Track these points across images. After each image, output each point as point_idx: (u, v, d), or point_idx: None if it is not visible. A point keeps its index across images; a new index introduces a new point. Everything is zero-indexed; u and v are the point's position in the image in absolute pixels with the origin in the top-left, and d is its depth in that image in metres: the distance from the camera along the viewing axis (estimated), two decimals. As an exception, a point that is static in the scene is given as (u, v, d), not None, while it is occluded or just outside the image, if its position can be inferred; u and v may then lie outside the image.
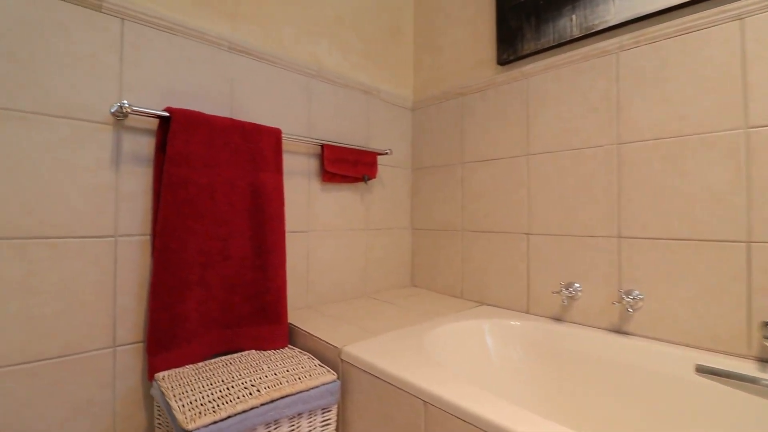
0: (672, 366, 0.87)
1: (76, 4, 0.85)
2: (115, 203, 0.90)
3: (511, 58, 1.25)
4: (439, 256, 1.50)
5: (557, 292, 1.09)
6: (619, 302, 0.98)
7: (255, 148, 1.02)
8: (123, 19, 0.91)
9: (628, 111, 1.02)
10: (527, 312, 1.20)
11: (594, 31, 1.06)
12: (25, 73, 0.79)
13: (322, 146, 1.24)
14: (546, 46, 1.16)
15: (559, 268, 1.13)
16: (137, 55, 0.93)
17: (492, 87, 1.33)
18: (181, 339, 0.90)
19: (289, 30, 1.23)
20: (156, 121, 0.94)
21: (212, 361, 0.92)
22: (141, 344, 0.93)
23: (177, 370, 0.87)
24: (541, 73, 1.19)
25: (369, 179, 1.37)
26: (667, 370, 0.88)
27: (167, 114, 0.89)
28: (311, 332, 1.01)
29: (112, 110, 0.87)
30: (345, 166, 1.29)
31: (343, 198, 1.36)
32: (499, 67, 1.31)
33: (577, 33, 1.09)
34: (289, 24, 1.23)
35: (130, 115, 0.88)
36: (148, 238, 0.94)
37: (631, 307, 0.97)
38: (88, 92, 0.86)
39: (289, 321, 1.11)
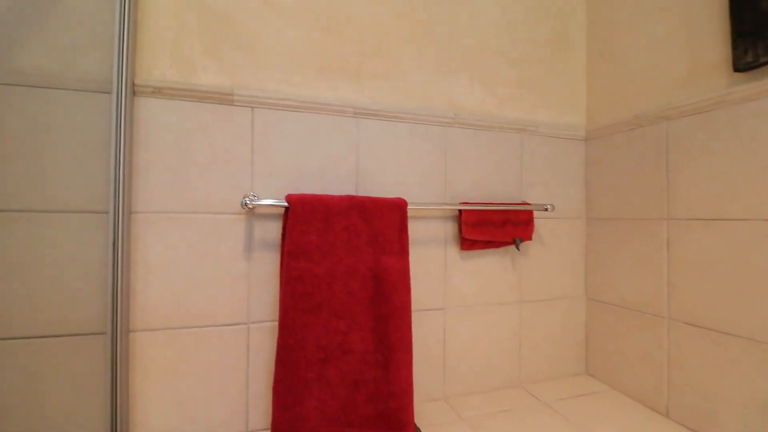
0: None
1: (213, 103, 0.89)
2: (247, 290, 0.92)
3: (763, 60, 0.77)
4: (627, 343, 1.08)
5: None
6: None
7: (376, 228, 0.90)
8: (252, 107, 0.92)
9: None
10: (805, 487, 0.71)
11: None
12: (175, 178, 0.87)
13: (460, 209, 1.03)
14: None
15: None
16: (266, 141, 0.93)
17: (724, 106, 0.86)
18: (302, 440, 0.85)
19: (419, 76, 1.06)
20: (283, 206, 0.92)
21: (331, 469, 0.84)
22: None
23: (296, 475, 0.82)
24: (834, 80, 0.69)
25: (522, 242, 1.09)
26: None
27: (286, 204, 0.85)
28: (439, 456, 0.82)
29: (241, 204, 0.88)
30: (489, 229, 1.05)
31: (488, 266, 1.11)
32: (737, 74, 0.84)
33: None
34: (419, 69, 1.06)
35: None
36: (277, 323, 0.93)
37: None
38: (224, 186, 0.90)
39: (418, 424, 0.94)
